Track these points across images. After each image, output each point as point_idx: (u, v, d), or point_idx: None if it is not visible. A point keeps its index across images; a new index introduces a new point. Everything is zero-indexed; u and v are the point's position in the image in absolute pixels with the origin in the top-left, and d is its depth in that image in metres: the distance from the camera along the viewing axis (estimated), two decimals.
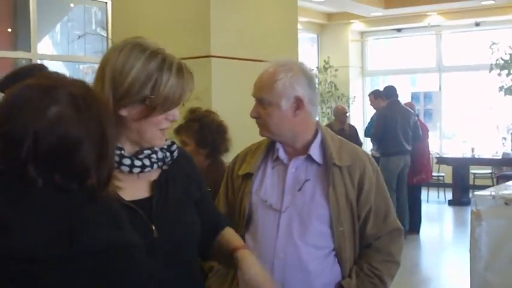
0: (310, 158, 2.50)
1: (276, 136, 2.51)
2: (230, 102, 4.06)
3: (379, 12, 13.35)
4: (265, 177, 2.52)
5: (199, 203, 2.06)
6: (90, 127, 1.39)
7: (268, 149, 2.57)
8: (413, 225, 9.11)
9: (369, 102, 10.03)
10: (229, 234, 2.20)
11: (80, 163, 1.38)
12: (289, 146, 2.52)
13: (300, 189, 2.47)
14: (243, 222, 2.48)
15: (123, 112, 1.81)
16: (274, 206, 2.46)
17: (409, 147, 8.73)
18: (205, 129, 3.40)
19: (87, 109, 1.39)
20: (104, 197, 1.45)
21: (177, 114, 1.89)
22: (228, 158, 3.26)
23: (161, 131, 1.88)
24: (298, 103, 2.45)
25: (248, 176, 2.53)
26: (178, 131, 3.41)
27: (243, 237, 2.40)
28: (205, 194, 2.13)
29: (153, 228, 1.84)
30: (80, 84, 1.45)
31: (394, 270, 2.55)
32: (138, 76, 1.78)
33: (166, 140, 1.97)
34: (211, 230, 2.13)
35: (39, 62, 9.88)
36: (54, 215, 1.33)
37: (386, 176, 8.71)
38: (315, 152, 2.50)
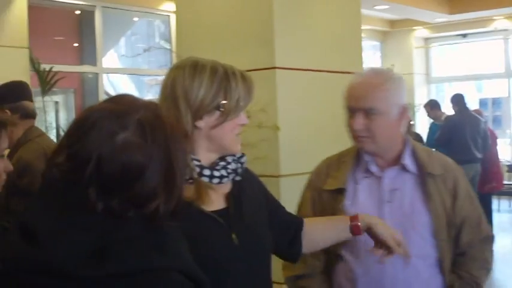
0: (403, 168, 2.44)
1: (379, 148, 2.41)
2: (296, 114, 4.01)
3: (443, 17, 13.11)
4: (357, 192, 2.44)
5: (270, 209, 2.12)
6: (155, 154, 1.39)
7: (354, 162, 2.48)
8: None
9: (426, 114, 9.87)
10: (317, 220, 2.33)
11: (140, 191, 1.37)
12: (380, 157, 2.45)
13: (398, 201, 2.40)
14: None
15: (201, 124, 1.89)
16: None
17: (479, 155, 8.53)
18: None
19: (153, 135, 1.39)
20: (160, 223, 1.43)
21: (246, 119, 1.97)
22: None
23: (237, 137, 1.96)
24: (403, 112, 2.40)
25: (339, 192, 2.44)
26: None
27: (337, 254, 2.40)
28: (270, 199, 2.19)
29: (234, 236, 1.90)
30: (151, 108, 1.45)
31: (487, 278, 2.56)
32: (209, 87, 1.88)
33: None
34: (293, 227, 2.21)
35: (104, 75, 10.06)
36: (92, 233, 1.32)
37: None
38: (408, 161, 2.43)
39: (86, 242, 1.30)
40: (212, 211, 1.89)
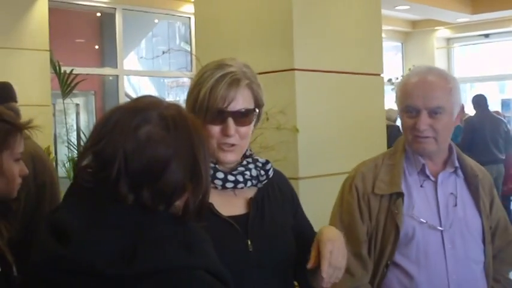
0: (455, 172, 2.41)
1: (439, 149, 2.37)
2: (315, 116, 3.99)
3: (465, 17, 12.99)
4: (412, 196, 2.36)
5: (294, 226, 2.03)
6: (179, 147, 1.40)
7: (405, 165, 2.41)
8: None
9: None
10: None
11: (168, 182, 1.39)
12: (431, 160, 2.40)
13: (455, 205, 2.36)
14: (393, 246, 2.32)
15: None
16: (435, 226, 2.32)
17: (501, 156, 8.44)
18: None
19: (176, 129, 1.41)
20: (188, 220, 1.45)
21: (231, 129, 1.84)
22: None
23: (222, 146, 1.86)
24: (461, 111, 2.38)
25: (396, 196, 2.35)
26: None
27: (391, 262, 2.32)
28: (299, 215, 2.11)
29: (249, 242, 1.86)
30: (173, 107, 1.47)
31: None
32: (192, 88, 1.89)
33: (258, 158, 2.00)
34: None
35: (125, 77, 10.10)
36: (122, 232, 1.33)
37: None
38: (457, 164, 2.41)
39: (116, 241, 1.32)
40: (231, 216, 1.87)
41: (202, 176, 1.45)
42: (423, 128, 2.28)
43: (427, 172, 2.37)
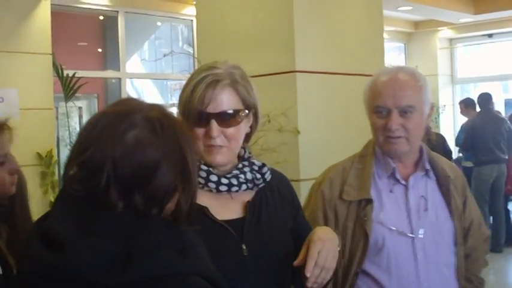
0: (426, 174, 2.37)
1: (411, 150, 2.32)
2: (317, 118, 3.99)
3: (468, 18, 12.96)
4: (382, 201, 2.30)
5: (294, 229, 2.00)
6: (168, 148, 1.39)
7: (374, 169, 2.35)
8: (511, 238, 8.75)
9: (459, 111, 9.71)
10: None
11: (159, 185, 1.37)
12: (401, 162, 2.35)
13: (425, 209, 2.32)
14: (363, 254, 2.27)
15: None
16: (405, 233, 2.27)
17: (504, 156, 8.41)
18: None
19: (163, 130, 1.40)
20: (181, 224, 1.44)
21: (213, 131, 1.82)
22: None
23: (208, 148, 1.84)
24: (431, 110, 2.34)
25: (366, 202, 2.29)
26: None
27: (360, 270, 2.27)
28: (299, 218, 2.08)
29: (244, 247, 1.84)
30: (157, 108, 1.46)
31: None
32: (183, 90, 1.87)
33: (254, 161, 1.97)
34: None
35: (128, 80, 10.11)
36: (115, 239, 1.32)
37: (479, 186, 8.47)
38: (428, 166, 2.36)
39: (109, 248, 1.31)
40: (226, 220, 1.85)
41: (192, 176, 1.44)
42: (395, 127, 2.23)
43: (398, 176, 2.33)
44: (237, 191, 1.89)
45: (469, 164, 8.51)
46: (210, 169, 1.86)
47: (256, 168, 1.95)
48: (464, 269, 2.40)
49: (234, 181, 1.88)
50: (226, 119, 1.84)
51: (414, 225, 2.28)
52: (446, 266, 2.33)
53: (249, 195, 1.93)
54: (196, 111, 1.82)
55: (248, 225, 1.87)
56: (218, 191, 1.87)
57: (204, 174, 1.83)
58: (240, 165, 1.94)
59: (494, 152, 8.36)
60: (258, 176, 1.94)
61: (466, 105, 9.38)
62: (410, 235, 2.27)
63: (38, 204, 6.34)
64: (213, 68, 1.87)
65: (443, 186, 2.37)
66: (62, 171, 7.38)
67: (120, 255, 1.30)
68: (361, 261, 2.27)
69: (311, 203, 2.42)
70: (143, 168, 1.35)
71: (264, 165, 1.97)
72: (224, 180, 1.86)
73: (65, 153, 8.64)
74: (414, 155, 2.37)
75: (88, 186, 1.35)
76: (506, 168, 8.69)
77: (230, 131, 1.85)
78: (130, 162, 1.34)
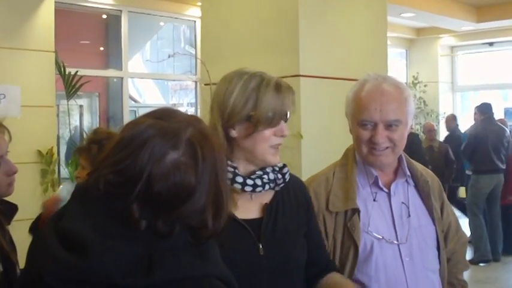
0: (406, 181, 2.38)
1: (394, 161, 2.34)
2: (319, 122, 4.00)
3: (470, 26, 12.99)
4: (367, 210, 2.30)
5: (307, 233, 2.10)
6: (205, 176, 1.39)
7: (357, 178, 2.35)
8: (509, 247, 8.74)
9: (473, 116, 9.39)
10: (340, 279, 2.15)
11: (188, 212, 1.37)
12: (382, 170, 2.36)
13: (409, 215, 2.33)
14: (353, 264, 2.26)
15: (233, 133, 1.94)
16: (391, 240, 2.28)
17: (502, 166, 8.41)
18: None
19: (203, 158, 1.39)
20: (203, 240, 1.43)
21: (286, 130, 1.97)
22: None
23: (273, 148, 1.97)
24: (411, 120, 2.35)
25: (352, 212, 2.28)
26: (79, 152, 3.14)
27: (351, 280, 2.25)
28: (312, 224, 2.16)
29: (260, 247, 1.94)
30: (198, 127, 1.44)
31: None
32: (239, 97, 1.93)
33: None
34: (316, 268, 2.12)
35: (129, 80, 10.11)
36: (138, 242, 1.32)
37: (474, 194, 8.46)
38: (408, 172, 2.38)
39: (132, 251, 1.31)
40: (245, 219, 1.94)
41: (224, 200, 1.44)
42: (381, 141, 2.24)
43: (380, 184, 2.33)
44: (260, 191, 1.97)
45: (469, 172, 8.51)
46: (236, 171, 1.94)
47: (277, 168, 2.03)
48: (447, 273, 2.43)
49: (259, 182, 1.97)
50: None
51: (399, 232, 2.30)
52: (432, 271, 2.35)
53: (267, 197, 2.03)
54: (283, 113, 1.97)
55: (265, 226, 1.98)
56: (243, 191, 1.95)
57: (230, 176, 1.92)
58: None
59: (495, 162, 8.35)
60: (279, 176, 2.03)
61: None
62: (396, 242, 2.29)
63: (38, 201, 6.33)
64: (262, 73, 2.00)
65: (423, 191, 2.39)
66: (61, 169, 7.39)
67: (143, 258, 1.30)
68: (352, 271, 2.27)
69: None
70: (178, 191, 1.35)
71: (284, 165, 2.07)
72: (249, 181, 1.95)
73: (65, 151, 8.64)
74: (394, 163, 2.38)
75: (114, 194, 1.34)
76: (510, 177, 8.64)
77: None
78: (166, 183, 1.34)
